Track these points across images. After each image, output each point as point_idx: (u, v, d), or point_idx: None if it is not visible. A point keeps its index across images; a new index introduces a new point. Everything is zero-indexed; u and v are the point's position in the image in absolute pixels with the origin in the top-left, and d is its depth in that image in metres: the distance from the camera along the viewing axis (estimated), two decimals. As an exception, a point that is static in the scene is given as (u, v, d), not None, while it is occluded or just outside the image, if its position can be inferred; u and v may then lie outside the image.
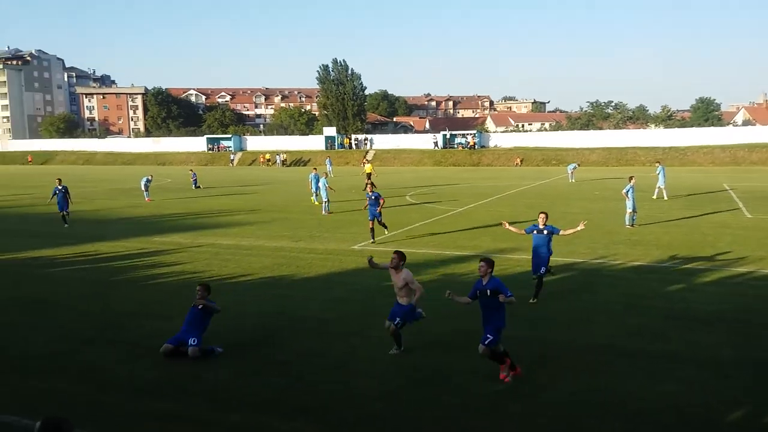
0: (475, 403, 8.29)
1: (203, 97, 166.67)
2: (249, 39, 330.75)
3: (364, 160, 52.80)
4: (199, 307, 10.51)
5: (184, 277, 16.39)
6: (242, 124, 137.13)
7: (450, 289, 9.44)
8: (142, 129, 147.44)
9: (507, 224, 14.48)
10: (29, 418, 7.86)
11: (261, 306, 13.51)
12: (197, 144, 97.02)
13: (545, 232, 13.41)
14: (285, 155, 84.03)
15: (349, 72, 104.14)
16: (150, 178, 38.09)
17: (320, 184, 29.97)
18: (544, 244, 13.39)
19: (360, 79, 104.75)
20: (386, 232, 21.84)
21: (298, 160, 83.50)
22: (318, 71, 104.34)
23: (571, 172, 47.75)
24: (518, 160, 72.86)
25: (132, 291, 15.02)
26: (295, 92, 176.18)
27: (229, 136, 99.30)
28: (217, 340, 10.91)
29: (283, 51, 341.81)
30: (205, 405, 8.45)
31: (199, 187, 44.45)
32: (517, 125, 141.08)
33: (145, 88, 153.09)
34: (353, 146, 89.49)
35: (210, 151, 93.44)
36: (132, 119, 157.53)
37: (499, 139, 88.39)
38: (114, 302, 13.93)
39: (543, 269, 13.29)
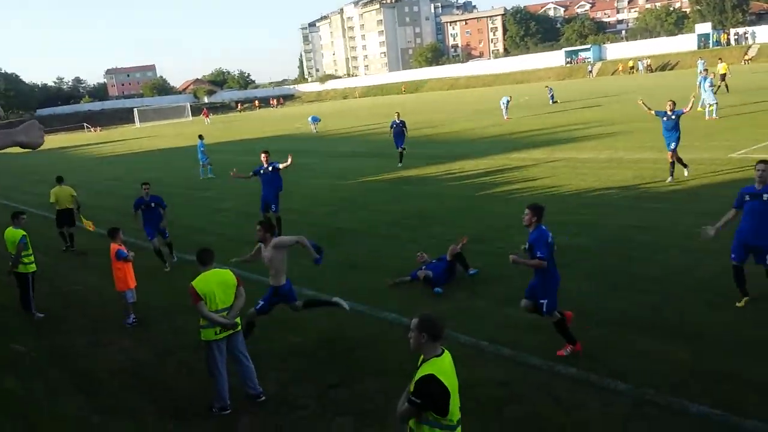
0: None
1: (561, 10, 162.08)
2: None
3: (720, 59, 44.45)
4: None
5: (545, 191, 16.52)
6: (602, 32, 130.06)
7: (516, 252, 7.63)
8: (501, 50, 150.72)
9: None
10: (407, 317, 8.86)
11: (623, 219, 12.87)
12: (555, 59, 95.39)
13: None
14: (649, 61, 77.46)
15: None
16: (509, 98, 38.79)
17: (706, 85, 26.69)
18: None
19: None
20: (685, 173, 16.02)
21: (665, 65, 76.31)
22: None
23: None
24: None
25: (498, 205, 15.68)
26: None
27: (588, 46, 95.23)
28: (580, 253, 10.81)
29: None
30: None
31: (556, 102, 43.88)
32: None
33: (504, 9, 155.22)
34: (731, 42, 77.97)
35: (568, 65, 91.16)
36: (492, 41, 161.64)
37: None
38: (482, 216, 14.74)
39: None
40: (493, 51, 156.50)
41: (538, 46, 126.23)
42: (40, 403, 5.89)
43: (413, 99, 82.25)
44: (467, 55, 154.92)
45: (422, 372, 4.33)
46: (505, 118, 36.75)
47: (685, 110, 15.82)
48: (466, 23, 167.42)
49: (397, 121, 23.97)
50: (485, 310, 9.08)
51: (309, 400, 7.19)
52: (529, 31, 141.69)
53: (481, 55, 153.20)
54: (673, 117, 15.78)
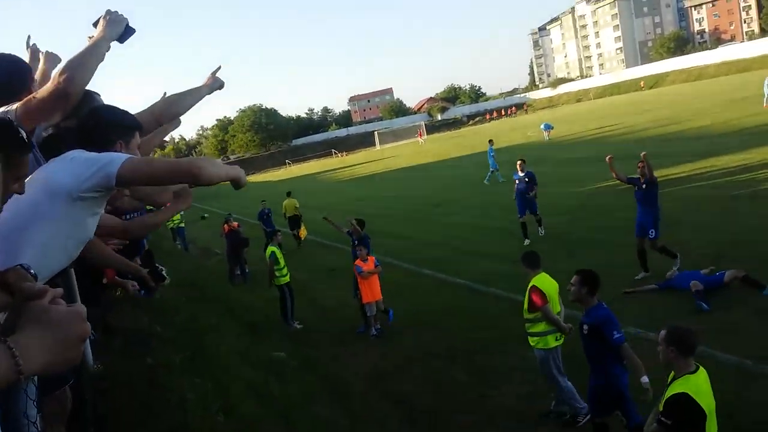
0: None
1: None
2: None
3: None
4: None
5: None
6: None
7: None
8: (756, 30, 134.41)
9: None
10: (651, 330, 8.26)
11: None
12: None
13: None
14: None
15: None
16: None
17: None
18: None
19: None
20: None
21: None
22: None
23: None
24: None
25: (760, 205, 13.95)
26: None
27: None
28: None
29: None
30: None
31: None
32: None
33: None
34: None
35: None
36: (745, 21, 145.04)
37: None
38: (740, 218, 13.24)
39: None
40: (746, 32, 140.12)
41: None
42: (299, 406, 6.51)
43: (654, 94, 76.59)
44: (716, 40, 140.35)
45: (673, 390, 3.99)
46: (766, 105, 32.44)
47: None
48: (713, 5, 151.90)
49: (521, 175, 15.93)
50: (745, 324, 8.09)
51: (551, 416, 7.02)
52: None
53: (732, 39, 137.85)
54: (644, 186, 10.86)
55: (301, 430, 5.78)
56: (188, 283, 11.31)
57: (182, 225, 23.07)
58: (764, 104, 32.49)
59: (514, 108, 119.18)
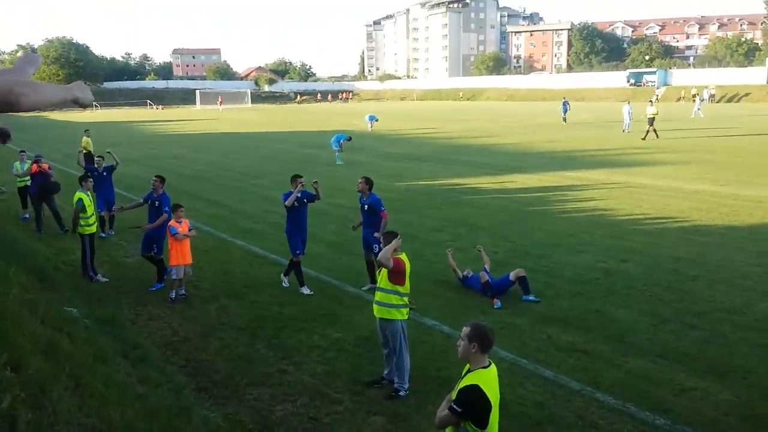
0: None
1: (630, 30, 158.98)
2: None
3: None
4: None
5: (597, 212, 16.34)
6: (670, 56, 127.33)
7: None
8: (564, 65, 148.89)
9: None
10: (446, 324, 8.92)
11: (676, 251, 12.62)
12: (618, 79, 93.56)
13: None
14: (714, 90, 74.93)
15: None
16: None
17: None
18: None
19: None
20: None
21: (731, 97, 73.88)
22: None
23: None
24: None
25: (547, 222, 15.55)
26: (736, 19, 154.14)
27: (654, 69, 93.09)
28: (627, 280, 10.69)
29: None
30: (608, 345, 8.36)
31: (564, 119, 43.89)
32: None
33: (572, 24, 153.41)
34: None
35: (631, 87, 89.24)
36: (555, 55, 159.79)
37: None
38: (530, 231, 14.65)
39: None
40: (555, 65, 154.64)
41: (602, 64, 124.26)
42: (91, 367, 6.13)
43: (471, 106, 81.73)
44: (529, 67, 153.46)
45: (467, 381, 4.33)
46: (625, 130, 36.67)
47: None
48: (531, 35, 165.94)
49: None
50: (525, 328, 9.03)
51: (344, 395, 7.28)
52: (595, 48, 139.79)
53: (543, 69, 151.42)
54: (366, 207, 10.78)
55: (93, 392, 5.44)
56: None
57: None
58: (624, 129, 37.01)
59: (348, 93, 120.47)
